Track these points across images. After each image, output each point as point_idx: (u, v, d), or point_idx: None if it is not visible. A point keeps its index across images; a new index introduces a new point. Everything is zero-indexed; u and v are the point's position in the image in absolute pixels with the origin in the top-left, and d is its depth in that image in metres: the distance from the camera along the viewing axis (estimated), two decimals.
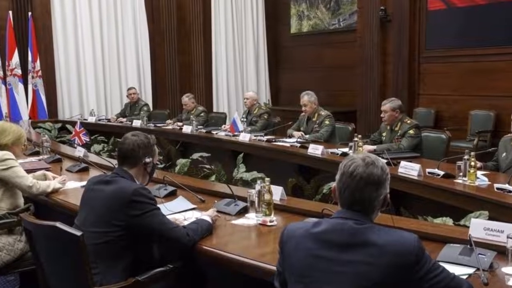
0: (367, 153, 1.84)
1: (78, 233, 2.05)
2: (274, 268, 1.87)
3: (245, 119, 6.50)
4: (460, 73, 7.03)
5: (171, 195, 3.19)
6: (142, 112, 7.85)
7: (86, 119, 8.21)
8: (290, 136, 5.84)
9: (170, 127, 7.29)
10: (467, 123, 6.80)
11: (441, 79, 7.28)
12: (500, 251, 2.04)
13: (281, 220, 2.68)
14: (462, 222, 2.67)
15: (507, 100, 6.40)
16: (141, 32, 9.44)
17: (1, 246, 2.97)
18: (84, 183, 2.83)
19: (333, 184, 1.78)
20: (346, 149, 4.69)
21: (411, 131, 4.69)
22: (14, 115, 8.14)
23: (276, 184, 2.91)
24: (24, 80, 8.34)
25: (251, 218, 2.72)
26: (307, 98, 5.79)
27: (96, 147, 6.50)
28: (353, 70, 8.38)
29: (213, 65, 9.78)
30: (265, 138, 5.77)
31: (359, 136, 4.67)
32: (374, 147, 4.76)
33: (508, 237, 1.99)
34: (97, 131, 7.40)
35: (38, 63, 8.39)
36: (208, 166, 4.96)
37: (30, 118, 8.29)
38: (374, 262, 1.58)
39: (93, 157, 4.64)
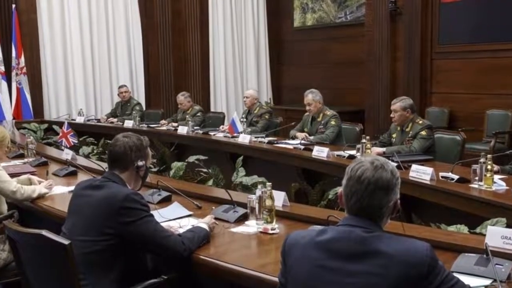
0: (375, 155, 1.84)
1: (66, 241, 2.05)
2: (276, 279, 1.87)
3: (244, 119, 6.51)
4: (475, 70, 7.03)
5: (166, 201, 3.19)
6: (134, 112, 7.85)
7: (74, 120, 8.21)
8: (293, 138, 5.84)
9: (164, 128, 7.30)
10: (483, 123, 6.79)
11: (455, 76, 7.28)
12: None
13: (284, 227, 2.69)
14: (478, 230, 2.67)
15: None
16: (133, 26, 9.45)
17: None
18: (72, 188, 2.84)
19: (340, 189, 1.79)
20: (353, 152, 4.70)
21: (423, 132, 4.69)
22: None
23: (278, 189, 2.91)
24: (8, 77, 8.34)
25: (251, 226, 2.72)
26: (312, 96, 5.79)
27: (85, 149, 6.50)
28: (361, 67, 8.38)
29: (210, 62, 9.78)
30: (266, 139, 5.78)
31: (367, 137, 4.67)
32: (384, 149, 4.76)
33: None
34: (86, 132, 7.40)
35: (22, 59, 8.40)
36: (205, 170, 4.95)
37: (14, 118, 8.29)
38: (383, 273, 1.58)
39: (81, 160, 4.64)
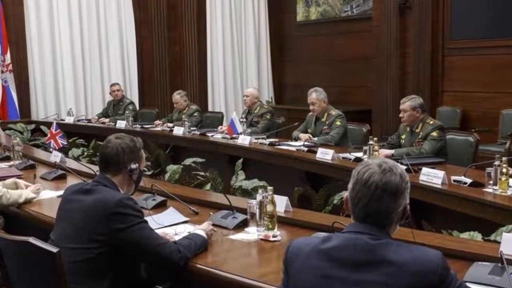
0: (383, 158, 1.84)
1: (54, 249, 2.05)
2: None
3: (244, 120, 6.51)
4: (490, 67, 7.03)
5: (160, 206, 3.20)
6: (127, 112, 7.86)
7: (63, 120, 8.22)
8: (296, 139, 5.84)
9: (159, 128, 7.30)
10: (498, 123, 6.79)
11: (468, 74, 7.28)
12: None
13: (286, 235, 2.69)
14: (492, 237, 2.67)
15: None
16: (125, 20, 9.44)
17: None
18: (61, 192, 2.85)
19: (345, 194, 1.79)
20: (360, 154, 4.70)
21: (434, 133, 4.69)
22: None
23: (280, 194, 2.92)
24: None
25: (252, 233, 2.72)
26: (316, 95, 5.79)
27: (75, 151, 6.51)
28: (368, 64, 8.39)
29: (208, 58, 9.79)
30: (267, 141, 5.78)
31: (375, 139, 4.67)
32: (392, 151, 4.76)
33: None
34: (76, 133, 7.42)
35: (8, 55, 8.42)
36: (202, 173, 4.96)
37: None
38: (392, 282, 1.58)
39: (71, 163, 4.65)
